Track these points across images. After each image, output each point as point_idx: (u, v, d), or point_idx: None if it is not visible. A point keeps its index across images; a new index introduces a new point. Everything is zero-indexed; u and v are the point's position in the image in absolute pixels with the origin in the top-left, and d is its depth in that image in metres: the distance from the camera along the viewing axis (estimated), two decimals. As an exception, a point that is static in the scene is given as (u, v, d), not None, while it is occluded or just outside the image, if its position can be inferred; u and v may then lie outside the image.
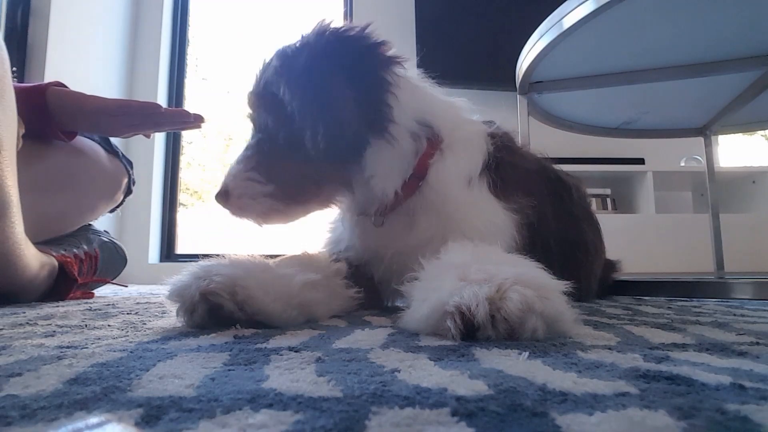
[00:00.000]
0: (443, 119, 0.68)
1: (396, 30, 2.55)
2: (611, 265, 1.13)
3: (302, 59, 0.62)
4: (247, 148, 0.69)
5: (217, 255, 0.51)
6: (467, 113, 0.73)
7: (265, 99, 0.66)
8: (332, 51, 0.62)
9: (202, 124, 1.01)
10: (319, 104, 0.60)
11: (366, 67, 0.62)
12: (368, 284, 0.68)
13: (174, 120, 1.00)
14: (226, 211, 0.67)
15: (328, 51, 0.62)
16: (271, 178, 0.65)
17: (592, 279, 0.93)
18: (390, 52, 0.64)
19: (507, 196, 0.66)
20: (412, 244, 0.64)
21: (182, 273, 0.48)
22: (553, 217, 0.77)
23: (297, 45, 0.64)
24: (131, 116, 0.96)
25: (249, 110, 0.70)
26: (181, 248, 2.83)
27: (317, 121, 0.59)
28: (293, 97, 0.61)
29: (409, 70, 0.67)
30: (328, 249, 0.74)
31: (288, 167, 0.66)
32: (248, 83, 0.70)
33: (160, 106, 0.98)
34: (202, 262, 0.49)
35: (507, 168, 0.68)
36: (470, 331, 0.38)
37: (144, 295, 1.12)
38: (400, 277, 0.54)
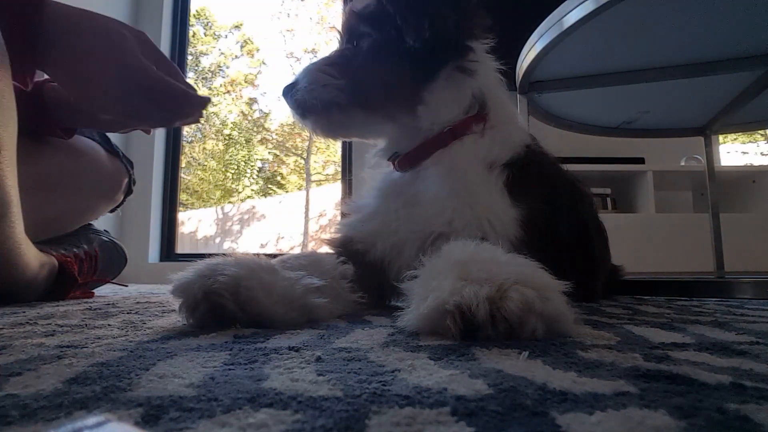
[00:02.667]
0: (498, 105, 0.74)
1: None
2: (615, 271, 1.13)
3: None
4: (328, 55, 0.73)
5: (223, 254, 0.51)
6: (519, 118, 0.80)
7: (366, 14, 0.70)
8: None
9: (201, 119, 0.91)
10: (425, 6, 0.66)
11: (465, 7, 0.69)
12: (373, 281, 0.68)
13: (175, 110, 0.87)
14: (287, 107, 0.72)
15: None
16: (345, 74, 0.69)
17: (598, 283, 0.93)
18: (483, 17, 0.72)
19: (520, 196, 0.66)
20: (421, 212, 0.65)
21: (187, 270, 0.48)
22: (565, 224, 0.77)
23: None
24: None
25: (343, 27, 0.74)
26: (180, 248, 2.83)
27: (422, 17, 0.65)
28: (397, 4, 0.67)
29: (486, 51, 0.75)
30: (342, 232, 0.74)
31: (367, 68, 0.69)
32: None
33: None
34: (208, 260, 0.49)
35: (529, 172, 0.70)
36: (470, 331, 0.38)
37: (144, 295, 1.12)
38: (404, 253, 0.61)
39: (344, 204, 0.81)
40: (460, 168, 0.67)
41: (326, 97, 0.69)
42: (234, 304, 0.45)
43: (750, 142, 5.27)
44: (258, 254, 0.53)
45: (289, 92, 0.71)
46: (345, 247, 0.70)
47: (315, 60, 0.73)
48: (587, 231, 0.87)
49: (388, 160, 0.76)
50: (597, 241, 0.92)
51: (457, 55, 0.69)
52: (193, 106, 0.78)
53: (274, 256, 0.59)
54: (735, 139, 5.29)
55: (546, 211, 0.68)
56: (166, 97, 0.73)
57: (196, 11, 7.20)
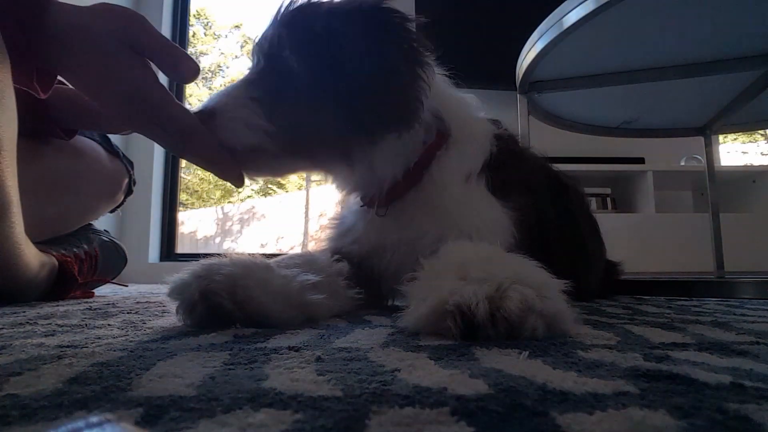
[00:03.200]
0: (455, 114, 0.69)
1: (396, 29, 2.55)
2: (613, 267, 1.13)
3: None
4: (248, 78, 0.62)
5: (219, 254, 0.51)
6: (476, 111, 0.74)
7: (306, 39, 0.60)
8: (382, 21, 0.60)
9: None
10: (367, 68, 0.57)
11: (409, 54, 0.60)
12: (370, 283, 0.68)
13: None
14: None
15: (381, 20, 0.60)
16: (274, 116, 0.59)
17: (592, 279, 0.93)
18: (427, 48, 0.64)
19: (505, 195, 0.66)
20: (412, 237, 0.64)
21: (183, 271, 0.48)
22: (553, 216, 0.77)
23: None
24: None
25: (265, 42, 0.63)
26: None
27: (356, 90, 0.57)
28: (353, 40, 0.58)
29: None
30: (332, 244, 0.74)
31: (300, 112, 0.61)
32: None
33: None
34: (204, 261, 0.49)
35: (507, 168, 0.69)
36: (470, 331, 0.38)
37: (144, 295, 1.12)
38: (400, 273, 0.54)
39: (329, 222, 0.78)
40: (439, 193, 0.65)
41: (252, 142, 0.59)
42: (231, 304, 0.45)
43: (750, 142, 5.27)
44: (253, 254, 0.53)
45: (207, 123, 0.58)
46: (338, 252, 0.70)
47: (236, 85, 0.61)
48: (575, 223, 0.87)
49: (361, 206, 0.70)
50: (587, 234, 0.91)
51: (404, 123, 0.60)
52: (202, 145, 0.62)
53: (274, 256, 0.59)
54: (735, 139, 5.30)
55: (532, 202, 0.68)
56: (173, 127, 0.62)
57: (196, 11, 7.20)
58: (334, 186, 0.72)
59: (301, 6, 0.62)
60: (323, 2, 0.62)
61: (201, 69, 0.61)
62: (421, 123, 0.62)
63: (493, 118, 0.76)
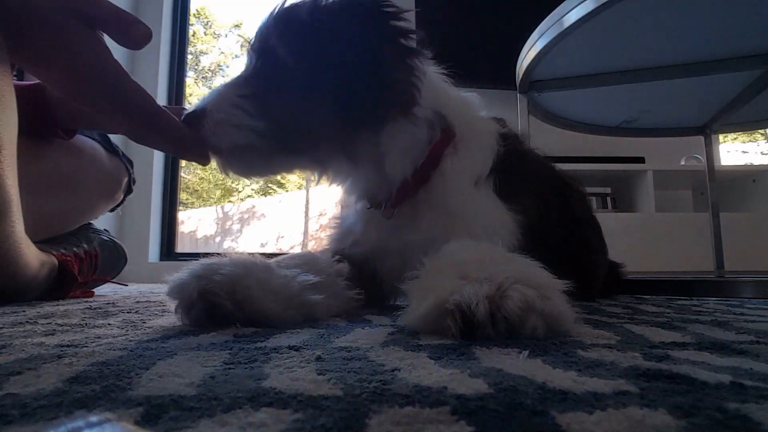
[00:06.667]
0: (458, 114, 0.68)
1: (396, 29, 2.54)
2: (616, 268, 1.13)
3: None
4: (241, 75, 0.62)
5: (218, 254, 0.51)
6: (479, 111, 0.73)
7: (294, 33, 0.60)
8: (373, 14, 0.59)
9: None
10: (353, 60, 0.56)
11: (397, 45, 0.60)
12: (371, 284, 0.68)
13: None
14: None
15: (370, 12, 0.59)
16: (264, 113, 0.58)
17: (594, 281, 0.93)
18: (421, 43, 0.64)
19: (512, 198, 0.66)
20: (418, 239, 0.63)
21: (182, 270, 0.48)
22: (557, 220, 0.77)
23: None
24: None
25: (258, 39, 0.62)
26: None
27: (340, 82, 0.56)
28: (337, 36, 0.57)
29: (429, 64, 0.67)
30: (333, 245, 0.74)
31: (290, 107, 0.59)
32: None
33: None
34: (203, 261, 0.49)
35: (515, 170, 0.69)
36: (470, 330, 0.38)
37: (144, 294, 1.12)
38: (402, 275, 0.53)
39: (331, 221, 0.77)
40: (449, 195, 0.64)
41: (240, 141, 0.58)
42: (231, 303, 0.45)
43: (750, 141, 5.27)
44: (253, 253, 0.53)
45: (196, 124, 0.58)
46: (339, 253, 0.70)
47: (226, 84, 0.61)
48: (580, 226, 0.87)
49: (368, 208, 0.70)
50: (592, 236, 0.92)
51: (401, 110, 0.60)
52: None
53: (274, 255, 0.59)
54: (735, 139, 5.29)
55: (539, 206, 0.68)
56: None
57: (196, 11, 7.19)
58: (337, 187, 0.71)
59: (294, 2, 0.62)
60: (310, 1, 0.61)
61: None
62: (421, 117, 0.63)
63: (496, 117, 0.76)
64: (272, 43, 0.61)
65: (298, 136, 0.61)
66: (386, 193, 0.66)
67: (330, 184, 0.71)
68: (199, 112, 0.58)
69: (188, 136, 0.58)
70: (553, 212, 0.75)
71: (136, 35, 0.56)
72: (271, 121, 0.59)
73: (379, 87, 0.58)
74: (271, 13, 0.63)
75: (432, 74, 0.68)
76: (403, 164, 0.63)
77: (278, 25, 0.61)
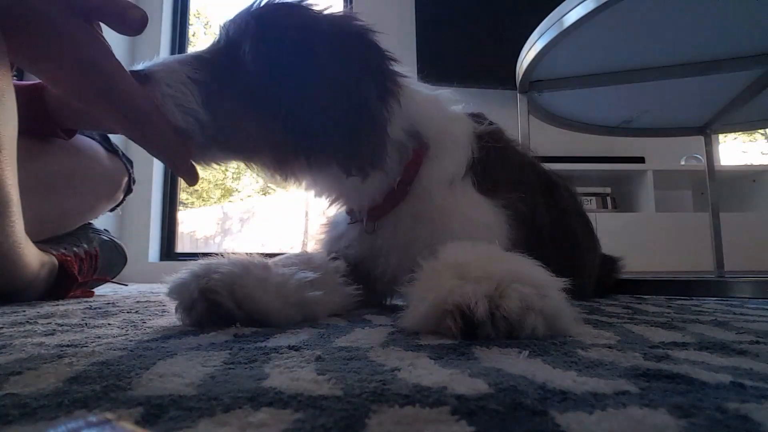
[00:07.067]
0: (429, 122, 0.66)
1: (396, 29, 2.55)
2: (612, 263, 1.13)
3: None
4: (198, 55, 0.57)
5: (217, 254, 0.51)
6: (451, 109, 0.71)
7: (263, 27, 0.56)
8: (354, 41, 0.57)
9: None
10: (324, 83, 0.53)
11: (376, 67, 0.57)
12: (367, 281, 0.68)
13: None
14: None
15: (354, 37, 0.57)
16: (211, 104, 0.54)
17: (586, 276, 0.92)
18: (389, 54, 0.60)
19: (494, 193, 0.65)
20: (403, 243, 0.64)
21: (182, 271, 0.48)
22: (544, 210, 0.76)
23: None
24: None
25: (232, 28, 0.58)
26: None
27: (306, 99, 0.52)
28: (318, 52, 0.54)
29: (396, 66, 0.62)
30: (326, 249, 0.74)
31: (244, 108, 0.56)
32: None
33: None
34: (202, 261, 0.49)
35: (493, 166, 0.68)
36: (470, 330, 0.38)
37: (144, 294, 1.12)
38: (396, 275, 0.53)
39: (321, 227, 0.77)
40: (426, 201, 0.64)
41: (179, 123, 0.53)
42: (230, 303, 0.46)
43: (750, 141, 5.27)
44: (251, 253, 0.53)
45: (146, 81, 0.53)
46: (335, 254, 0.70)
47: (179, 56, 0.57)
48: (567, 220, 0.86)
49: (349, 223, 0.70)
50: (579, 231, 0.90)
51: (372, 164, 0.56)
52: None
53: (274, 255, 0.59)
54: (735, 139, 5.29)
55: (521, 197, 0.67)
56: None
57: (196, 11, 7.20)
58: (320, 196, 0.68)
59: (278, 4, 0.59)
60: (300, 5, 0.59)
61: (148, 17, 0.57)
62: (393, 144, 0.60)
63: (474, 112, 0.74)
64: (244, 37, 0.57)
65: (238, 140, 0.58)
66: (360, 208, 0.66)
67: (304, 190, 0.68)
68: (145, 75, 0.54)
69: (178, 146, 0.55)
70: (539, 205, 0.74)
71: (131, 20, 0.54)
72: (214, 116, 0.55)
73: (352, 141, 0.54)
74: (255, 8, 0.59)
75: (402, 91, 0.62)
76: (373, 191, 0.63)
77: (255, 22, 0.57)
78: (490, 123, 0.73)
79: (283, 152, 0.58)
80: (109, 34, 0.56)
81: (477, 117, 0.74)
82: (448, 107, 0.71)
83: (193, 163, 0.58)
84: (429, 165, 0.65)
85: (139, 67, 0.54)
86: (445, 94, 0.72)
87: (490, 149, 0.69)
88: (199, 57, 0.57)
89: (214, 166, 0.60)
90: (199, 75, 0.55)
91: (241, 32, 0.57)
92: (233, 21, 0.59)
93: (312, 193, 0.68)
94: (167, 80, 0.53)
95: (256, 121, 0.57)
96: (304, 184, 0.65)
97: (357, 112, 0.55)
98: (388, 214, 0.66)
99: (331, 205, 0.69)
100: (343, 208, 0.71)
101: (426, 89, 0.69)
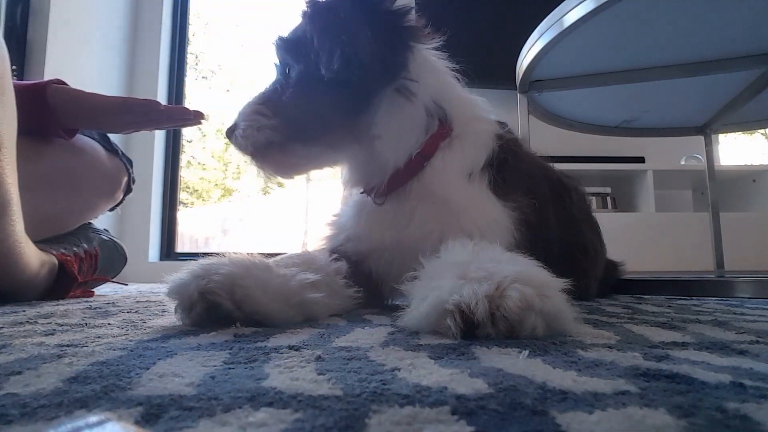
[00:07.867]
0: (458, 109, 0.70)
1: (396, 28, 2.54)
2: (614, 266, 1.13)
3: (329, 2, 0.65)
4: (263, 90, 0.71)
5: (217, 254, 0.51)
6: (483, 111, 0.74)
7: (290, 42, 0.69)
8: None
9: (202, 121, 1.00)
10: (339, 30, 0.61)
11: (390, 23, 0.64)
12: (368, 282, 0.68)
13: (173, 117, 0.99)
14: (232, 148, 0.71)
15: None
16: (277, 112, 0.67)
17: (592, 279, 0.93)
18: (417, 24, 0.68)
19: (506, 195, 0.66)
20: (410, 234, 0.64)
21: (182, 271, 0.48)
22: (554, 217, 0.77)
23: None
24: (131, 114, 0.96)
25: (275, 57, 0.72)
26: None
27: (335, 42, 0.60)
28: (314, 27, 0.63)
29: (433, 54, 0.72)
30: (329, 243, 0.74)
31: (296, 103, 0.67)
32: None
33: (159, 104, 0.98)
34: (202, 261, 0.49)
35: (509, 168, 0.69)
36: (470, 329, 0.38)
37: (144, 294, 1.12)
38: (399, 272, 0.54)
39: (330, 219, 0.79)
40: (440, 187, 0.65)
41: (261, 139, 0.67)
42: (230, 303, 0.46)
43: (750, 141, 5.26)
44: (252, 253, 0.53)
45: (232, 136, 0.69)
46: (337, 251, 0.70)
47: (251, 98, 0.71)
48: (576, 224, 0.87)
49: (361, 193, 0.73)
50: (588, 234, 0.91)
51: (389, 78, 0.64)
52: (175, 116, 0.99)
53: (274, 255, 0.59)
54: (735, 138, 5.29)
55: (533, 202, 0.68)
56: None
57: (197, 11, 7.18)
58: (341, 178, 0.74)
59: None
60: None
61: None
62: (419, 100, 0.65)
63: (500, 121, 0.77)
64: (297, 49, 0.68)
65: (305, 126, 0.67)
66: (379, 179, 0.67)
67: (341, 174, 0.75)
68: (233, 127, 0.69)
69: (175, 107, 0.83)
70: (548, 210, 0.75)
71: (192, 121, 0.98)
72: (283, 116, 0.67)
73: (374, 46, 0.61)
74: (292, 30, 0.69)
75: (436, 65, 0.71)
76: (396, 152, 0.65)
77: (308, 26, 0.66)
78: (510, 131, 0.76)
79: (340, 121, 0.66)
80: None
81: (501, 124, 0.76)
82: (478, 107, 0.75)
83: (278, 174, 0.72)
84: (450, 147, 0.68)
85: (228, 126, 0.70)
86: (480, 99, 0.76)
87: (509, 153, 0.71)
88: (261, 92, 0.71)
89: (298, 172, 0.73)
90: (264, 99, 0.69)
91: (286, 50, 0.69)
92: (277, 48, 0.71)
93: (341, 174, 0.74)
94: (242, 118, 0.68)
95: (313, 103, 0.66)
96: (345, 159, 0.72)
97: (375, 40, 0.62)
98: (399, 191, 0.67)
99: (354, 184, 0.72)
100: (355, 189, 0.74)
101: (461, 86, 0.75)
